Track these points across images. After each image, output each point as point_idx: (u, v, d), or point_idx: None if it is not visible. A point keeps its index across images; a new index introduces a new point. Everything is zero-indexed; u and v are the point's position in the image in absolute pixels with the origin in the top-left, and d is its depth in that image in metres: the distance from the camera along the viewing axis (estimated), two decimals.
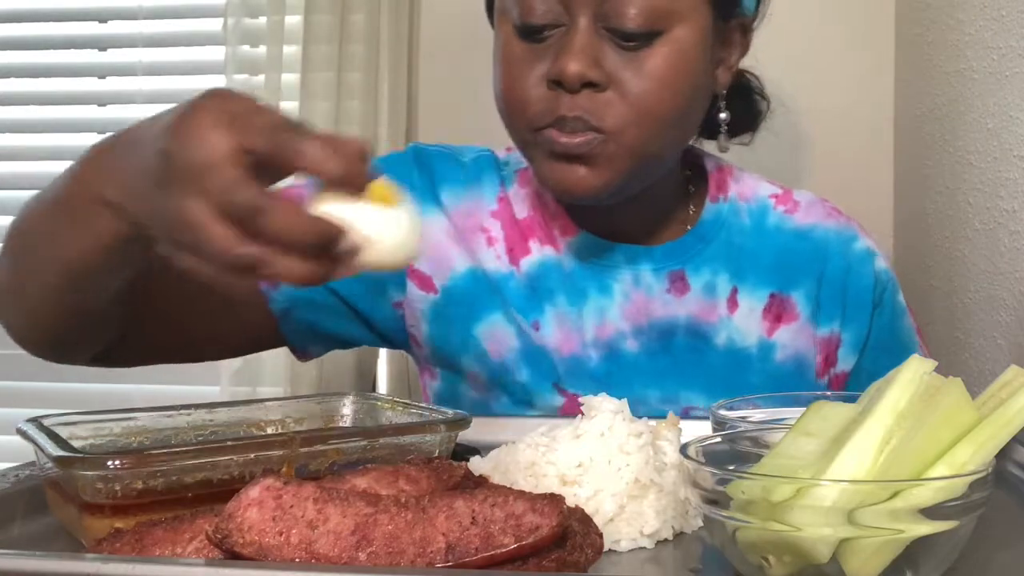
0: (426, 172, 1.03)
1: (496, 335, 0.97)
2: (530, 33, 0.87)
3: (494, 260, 0.98)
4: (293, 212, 0.53)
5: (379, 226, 0.55)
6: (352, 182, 0.54)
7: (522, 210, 1.00)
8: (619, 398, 0.94)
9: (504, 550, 0.47)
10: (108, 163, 0.67)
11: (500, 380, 0.96)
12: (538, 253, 0.98)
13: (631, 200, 0.92)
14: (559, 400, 0.95)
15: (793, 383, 0.96)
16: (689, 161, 1.03)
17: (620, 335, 0.96)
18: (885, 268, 1.01)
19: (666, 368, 0.96)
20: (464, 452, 0.68)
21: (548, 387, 0.96)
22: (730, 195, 1.01)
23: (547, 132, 0.87)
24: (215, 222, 0.53)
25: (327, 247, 0.54)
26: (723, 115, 0.96)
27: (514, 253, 0.99)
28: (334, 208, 0.54)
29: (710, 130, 1.02)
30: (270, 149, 0.54)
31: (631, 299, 0.96)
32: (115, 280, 0.75)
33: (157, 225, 0.59)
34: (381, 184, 0.55)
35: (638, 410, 0.93)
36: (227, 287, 0.56)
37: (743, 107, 1.05)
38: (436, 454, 0.65)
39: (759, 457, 0.56)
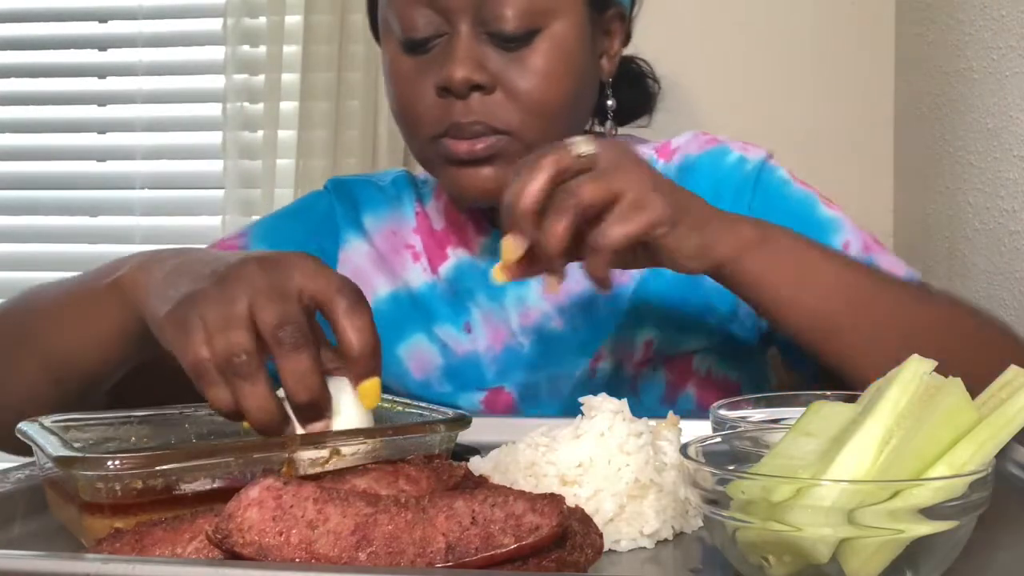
0: (347, 201, 1.08)
1: (418, 354, 1.00)
2: (415, 47, 0.90)
3: (420, 273, 1.03)
4: (317, 378, 0.60)
5: (343, 415, 0.62)
6: (360, 370, 0.62)
7: (439, 221, 1.05)
8: (548, 377, 0.98)
9: (504, 550, 0.47)
10: (130, 259, 0.73)
11: (421, 397, 0.98)
12: (454, 258, 1.02)
13: None
14: (479, 395, 0.99)
15: (695, 291, 0.96)
16: None
17: (545, 317, 0.99)
18: (760, 162, 0.99)
19: (590, 335, 0.98)
20: (464, 452, 0.68)
21: (472, 392, 0.99)
22: None
23: (443, 141, 0.90)
24: (248, 317, 0.59)
25: (304, 409, 0.61)
26: (610, 102, 0.99)
27: (434, 263, 1.03)
28: (337, 382, 0.62)
29: (605, 117, 1.05)
30: (324, 306, 0.62)
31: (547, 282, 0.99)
32: (111, 375, 0.79)
33: (157, 303, 0.64)
34: (375, 385, 0.63)
35: (562, 386, 0.97)
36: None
37: (635, 93, 1.09)
38: (436, 454, 0.65)
39: (759, 457, 0.56)
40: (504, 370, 0.99)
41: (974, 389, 0.53)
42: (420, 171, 1.08)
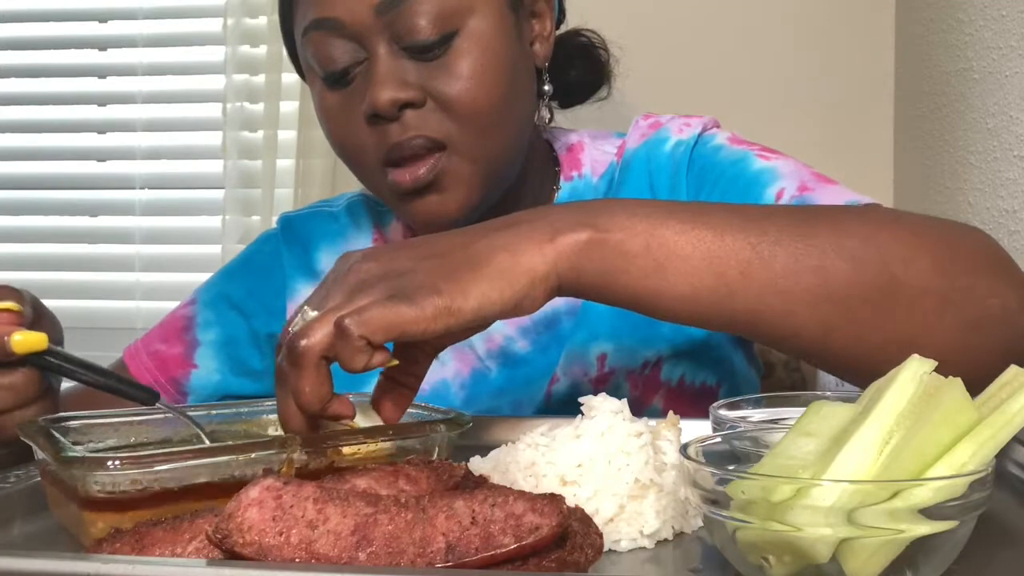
0: (296, 243, 1.04)
1: None
2: (337, 80, 0.87)
3: None
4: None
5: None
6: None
7: None
8: (512, 404, 0.95)
9: (504, 550, 0.47)
10: None
11: None
12: None
13: (500, 208, 0.88)
14: None
15: None
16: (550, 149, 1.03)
17: (509, 340, 0.97)
18: (695, 137, 0.96)
19: (557, 355, 0.96)
20: (464, 452, 0.68)
21: None
22: (584, 170, 1.01)
23: (389, 174, 0.86)
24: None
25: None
26: (547, 87, 0.95)
27: None
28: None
29: (568, 101, 1.03)
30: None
31: None
32: None
33: None
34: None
35: (523, 412, 0.94)
36: None
37: (585, 66, 1.04)
38: (436, 454, 0.65)
39: (759, 457, 0.56)
40: (472, 396, 0.96)
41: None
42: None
